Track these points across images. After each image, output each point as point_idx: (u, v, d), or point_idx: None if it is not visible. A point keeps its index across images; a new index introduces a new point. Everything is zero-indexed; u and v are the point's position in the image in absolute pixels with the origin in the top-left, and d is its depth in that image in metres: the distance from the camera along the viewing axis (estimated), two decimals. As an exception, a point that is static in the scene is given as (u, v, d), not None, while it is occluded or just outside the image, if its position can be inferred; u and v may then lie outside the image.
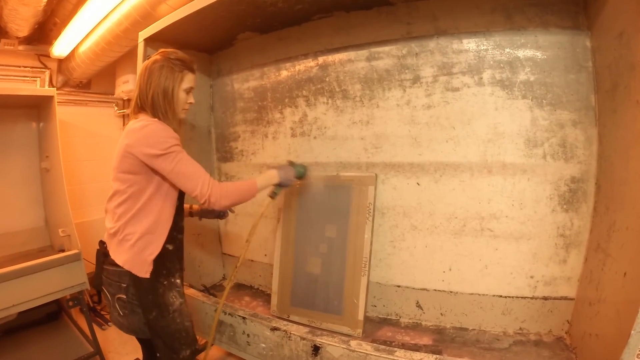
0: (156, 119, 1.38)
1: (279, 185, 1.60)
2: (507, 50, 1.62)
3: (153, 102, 1.40)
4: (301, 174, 1.69)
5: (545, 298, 1.67)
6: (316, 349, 1.47)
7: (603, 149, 1.50)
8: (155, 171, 1.34)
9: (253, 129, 2.28)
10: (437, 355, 1.31)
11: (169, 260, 1.45)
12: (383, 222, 1.87)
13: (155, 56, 1.45)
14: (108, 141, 3.44)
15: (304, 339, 1.50)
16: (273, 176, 1.56)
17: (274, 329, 1.59)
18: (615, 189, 1.37)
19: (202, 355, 2.40)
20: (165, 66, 1.41)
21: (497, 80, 1.64)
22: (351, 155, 1.93)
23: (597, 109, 1.52)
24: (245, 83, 2.28)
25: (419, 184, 1.79)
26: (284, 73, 2.12)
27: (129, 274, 1.37)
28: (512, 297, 1.70)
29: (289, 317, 1.90)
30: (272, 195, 1.64)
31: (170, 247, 1.45)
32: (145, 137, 1.31)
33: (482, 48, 1.65)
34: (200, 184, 1.33)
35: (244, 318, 1.68)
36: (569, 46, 1.54)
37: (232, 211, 1.84)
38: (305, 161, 2.06)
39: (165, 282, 1.44)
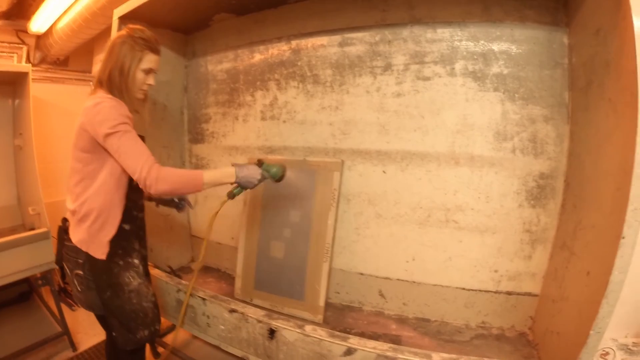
0: (111, 96, 1.33)
1: (239, 186, 1.47)
2: (482, 42, 1.59)
3: (110, 78, 1.36)
4: (277, 176, 1.53)
5: (509, 293, 1.66)
6: (272, 333, 1.46)
7: (574, 147, 1.49)
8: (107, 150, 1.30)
9: (224, 110, 2.24)
10: (391, 344, 1.30)
11: (126, 240, 1.43)
12: (348, 209, 1.84)
13: (121, 32, 1.41)
14: (83, 120, 3.38)
15: (260, 322, 1.48)
16: (229, 174, 1.41)
17: (232, 311, 1.57)
18: (584, 187, 1.36)
19: (170, 337, 2.42)
20: (127, 43, 1.37)
21: (470, 72, 1.62)
22: (319, 141, 1.90)
23: (571, 106, 1.50)
24: (218, 65, 2.24)
25: (385, 172, 1.77)
26: (257, 56, 2.08)
27: (85, 252, 1.36)
28: (476, 290, 1.69)
29: (252, 300, 1.88)
30: (230, 196, 1.50)
31: (127, 226, 1.43)
32: (97, 114, 1.27)
33: (456, 38, 1.63)
34: (141, 164, 1.26)
35: (203, 299, 1.66)
36: (546, 42, 1.52)
37: (191, 206, 1.78)
38: (274, 144, 2.06)
39: (121, 262, 1.42)
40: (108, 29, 2.54)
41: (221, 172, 1.44)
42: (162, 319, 1.88)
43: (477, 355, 1.48)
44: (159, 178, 1.27)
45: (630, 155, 0.99)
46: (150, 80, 1.45)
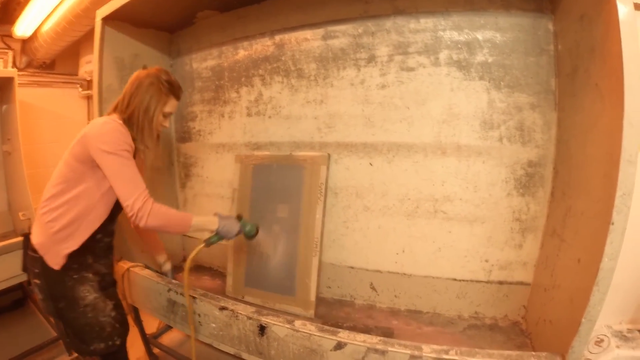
0: (122, 123, 1.39)
1: (217, 235, 1.51)
2: (466, 30, 1.57)
3: (132, 115, 1.42)
4: (250, 234, 1.58)
5: (500, 282, 1.65)
6: (262, 329, 1.44)
7: (562, 134, 1.48)
8: (99, 167, 1.33)
9: (210, 108, 2.21)
10: (381, 337, 1.28)
11: (82, 256, 1.44)
12: (336, 203, 1.82)
13: (149, 70, 1.47)
14: (72, 123, 3.34)
15: (250, 318, 1.45)
16: (212, 222, 1.49)
17: (222, 308, 1.54)
18: (572, 174, 1.35)
19: (165, 339, 2.41)
20: (154, 84, 1.43)
21: (454, 61, 1.60)
22: (305, 135, 1.88)
23: (557, 93, 1.49)
24: (203, 62, 2.21)
25: (371, 165, 1.75)
26: (242, 52, 2.05)
27: (41, 260, 1.36)
28: (467, 280, 1.68)
29: (243, 297, 1.86)
30: (207, 243, 1.53)
31: (87, 245, 1.43)
32: (104, 134, 1.32)
33: (439, 28, 1.60)
34: (137, 194, 1.30)
35: (194, 298, 1.64)
36: (531, 29, 1.51)
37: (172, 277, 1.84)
38: (260, 140, 2.04)
39: (75, 276, 1.43)
40: (92, 31, 2.53)
41: (207, 219, 1.49)
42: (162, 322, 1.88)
43: (470, 345, 1.47)
44: (152, 213, 1.31)
45: (618, 139, 0.98)
46: (167, 123, 1.53)
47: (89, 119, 3.46)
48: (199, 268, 2.35)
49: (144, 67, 1.50)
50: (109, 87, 2.09)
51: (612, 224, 0.99)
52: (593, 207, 1.15)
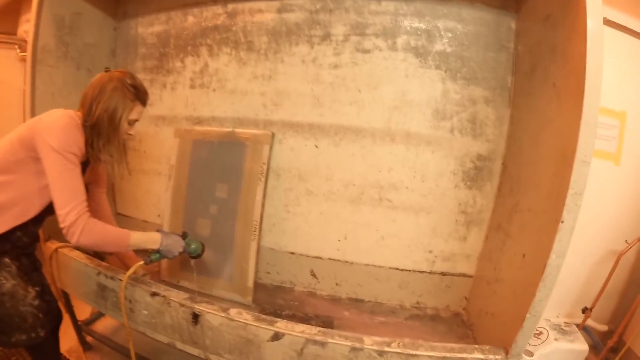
0: (81, 125, 1.30)
1: (159, 254, 1.44)
2: (427, 18, 1.55)
3: (96, 123, 1.30)
4: (194, 253, 1.53)
5: (443, 273, 1.66)
6: (195, 317, 1.35)
7: (514, 130, 1.49)
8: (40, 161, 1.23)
9: (152, 77, 2.05)
10: (320, 328, 1.22)
11: None
12: (278, 185, 1.74)
13: (112, 73, 1.36)
14: (7, 88, 3.04)
15: (183, 305, 1.35)
16: (154, 241, 1.41)
17: (154, 294, 1.43)
18: (522, 171, 1.36)
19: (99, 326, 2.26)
20: (119, 89, 1.32)
21: (412, 47, 1.57)
22: (249, 111, 1.78)
23: (513, 90, 1.51)
24: (149, 27, 2.04)
25: (317, 147, 1.68)
26: (190, 19, 1.91)
27: None
28: (410, 270, 1.67)
29: (179, 282, 1.75)
30: (147, 261, 1.44)
31: (2, 239, 1.29)
32: (56, 128, 1.23)
33: (400, 12, 1.57)
34: (73, 205, 1.20)
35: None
36: (493, 24, 1.51)
37: None
38: (203, 114, 1.92)
39: None
40: (34, -14, 2.31)
41: (147, 236, 1.42)
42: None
43: (411, 336, 1.44)
44: (85, 229, 1.21)
45: (573, 139, 0.98)
46: (132, 130, 1.42)
47: (25, 83, 3.18)
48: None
49: (107, 70, 1.40)
50: (45, 47, 1.92)
51: (562, 222, 0.99)
52: (541, 204, 1.16)
